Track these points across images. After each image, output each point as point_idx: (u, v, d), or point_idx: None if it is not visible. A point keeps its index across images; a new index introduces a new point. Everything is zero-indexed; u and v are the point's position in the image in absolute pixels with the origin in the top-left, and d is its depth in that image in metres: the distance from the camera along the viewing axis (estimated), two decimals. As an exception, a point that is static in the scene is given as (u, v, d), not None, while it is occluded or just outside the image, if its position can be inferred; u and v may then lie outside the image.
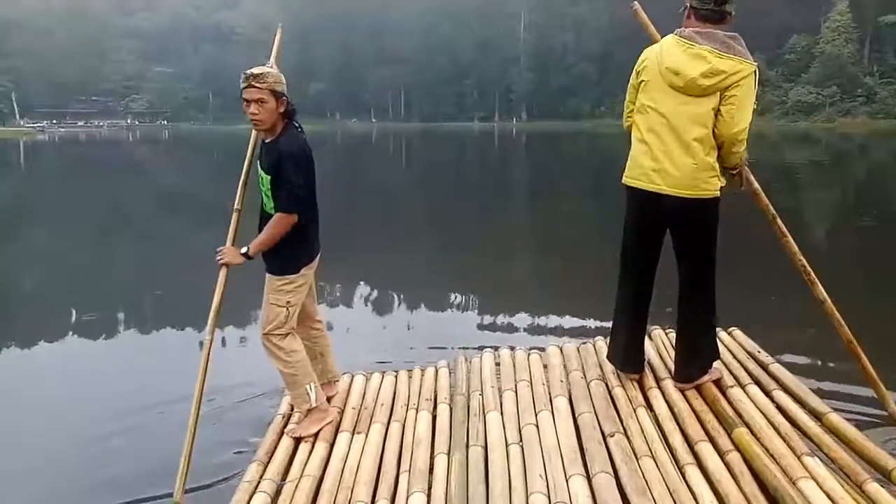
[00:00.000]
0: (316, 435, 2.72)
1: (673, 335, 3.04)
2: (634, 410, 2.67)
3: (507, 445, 2.48)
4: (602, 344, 3.24)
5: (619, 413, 2.67)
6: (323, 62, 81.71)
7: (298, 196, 2.57)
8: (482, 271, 7.16)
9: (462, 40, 79.87)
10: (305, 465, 2.53)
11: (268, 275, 2.72)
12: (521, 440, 2.51)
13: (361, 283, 6.59)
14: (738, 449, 2.38)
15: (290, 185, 2.55)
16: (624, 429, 2.55)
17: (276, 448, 2.66)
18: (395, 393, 3.10)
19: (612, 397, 2.80)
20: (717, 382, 2.84)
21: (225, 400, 3.49)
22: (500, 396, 2.87)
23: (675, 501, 2.13)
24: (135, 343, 4.96)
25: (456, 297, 6.07)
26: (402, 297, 6.08)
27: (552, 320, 5.15)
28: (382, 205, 13.16)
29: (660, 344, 3.35)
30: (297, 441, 2.70)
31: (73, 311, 5.62)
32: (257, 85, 2.51)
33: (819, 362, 4.02)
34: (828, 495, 2.08)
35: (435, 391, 3.07)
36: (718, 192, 2.57)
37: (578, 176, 20.07)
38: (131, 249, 8.78)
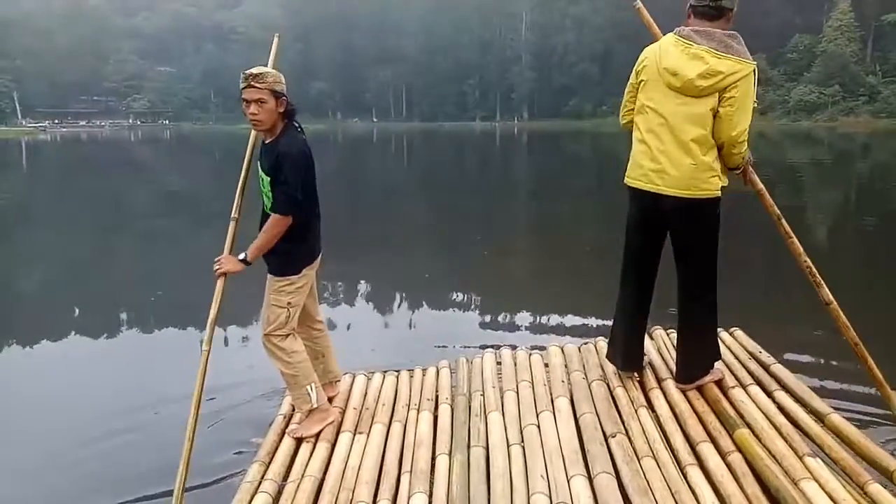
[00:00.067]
0: (317, 435, 2.72)
1: (674, 335, 3.03)
2: (636, 411, 2.67)
3: (508, 446, 2.48)
4: (603, 344, 3.24)
5: (620, 413, 2.66)
6: (324, 62, 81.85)
7: (294, 198, 2.54)
8: (483, 271, 7.17)
9: (463, 40, 79.95)
10: (307, 465, 2.53)
11: (269, 275, 2.72)
12: (522, 441, 2.51)
13: (362, 282, 6.60)
14: (739, 450, 2.37)
15: (286, 187, 2.53)
16: (625, 429, 2.54)
17: (277, 448, 2.66)
18: (396, 393, 3.10)
19: (613, 398, 2.80)
20: (719, 383, 2.83)
21: (226, 400, 3.50)
22: (502, 397, 2.87)
23: (676, 502, 2.12)
24: (136, 342, 4.96)
25: (457, 297, 6.07)
26: (403, 296, 6.08)
27: (554, 319, 5.15)
28: (383, 204, 13.16)
29: (661, 344, 3.35)
30: (299, 441, 2.70)
31: (74, 311, 5.63)
32: (257, 85, 2.49)
33: (822, 361, 4.02)
34: (830, 496, 2.08)
35: (436, 391, 3.06)
36: (719, 192, 2.55)
37: (580, 175, 20.06)
38: (132, 249, 8.80)
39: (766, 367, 3.05)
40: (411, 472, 2.41)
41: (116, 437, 3.24)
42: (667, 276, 2.80)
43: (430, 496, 2.26)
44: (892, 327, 4.50)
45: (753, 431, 2.46)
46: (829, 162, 22.83)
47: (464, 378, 3.11)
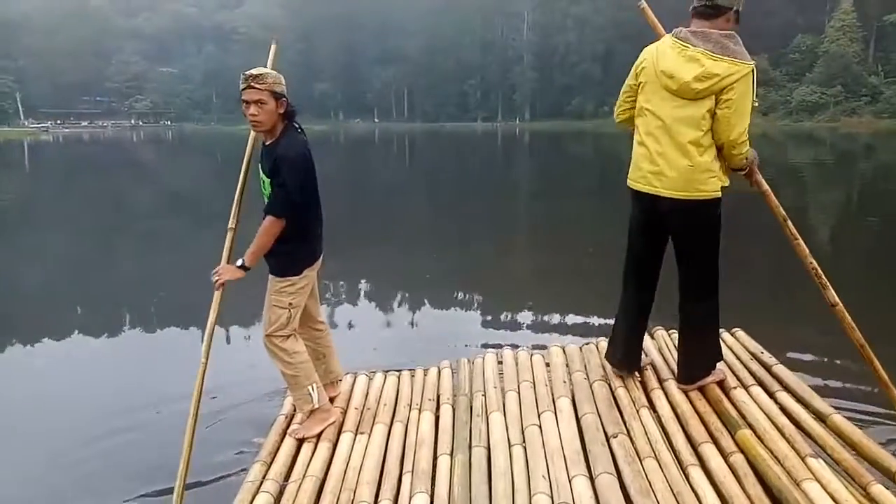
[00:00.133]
0: (319, 435, 2.73)
1: (676, 336, 3.03)
2: (637, 411, 2.66)
3: (510, 446, 2.48)
4: (605, 344, 3.23)
5: (622, 414, 2.66)
6: (326, 62, 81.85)
7: (291, 200, 2.53)
8: (485, 270, 7.17)
9: (465, 40, 79.85)
10: (308, 465, 2.53)
11: (270, 276, 2.72)
12: (523, 441, 2.51)
13: (364, 281, 6.61)
14: (741, 450, 2.37)
15: (283, 189, 2.52)
16: (627, 430, 2.54)
17: (278, 448, 2.66)
18: (397, 393, 3.10)
19: (615, 398, 2.79)
20: (721, 383, 2.83)
21: (227, 399, 3.50)
22: (503, 397, 2.87)
23: (678, 503, 2.12)
24: (138, 342, 4.97)
25: (459, 296, 6.08)
26: (405, 296, 6.09)
27: (555, 319, 5.16)
28: (385, 204, 13.16)
29: (663, 345, 3.34)
30: (300, 441, 2.70)
31: (76, 311, 5.64)
32: (257, 86, 2.48)
33: (824, 360, 4.01)
34: (832, 497, 2.08)
35: (438, 391, 3.06)
36: (718, 193, 2.54)
37: (582, 175, 20.05)
38: (134, 249, 8.81)
39: (768, 368, 3.05)
40: (413, 472, 2.41)
41: (118, 436, 3.25)
42: (668, 276, 2.80)
43: (432, 496, 2.26)
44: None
45: (755, 432, 2.46)
46: (832, 162, 22.78)
47: (465, 378, 3.11)
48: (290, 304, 2.67)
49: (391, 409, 2.94)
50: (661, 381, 2.94)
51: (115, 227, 10.58)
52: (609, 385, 2.90)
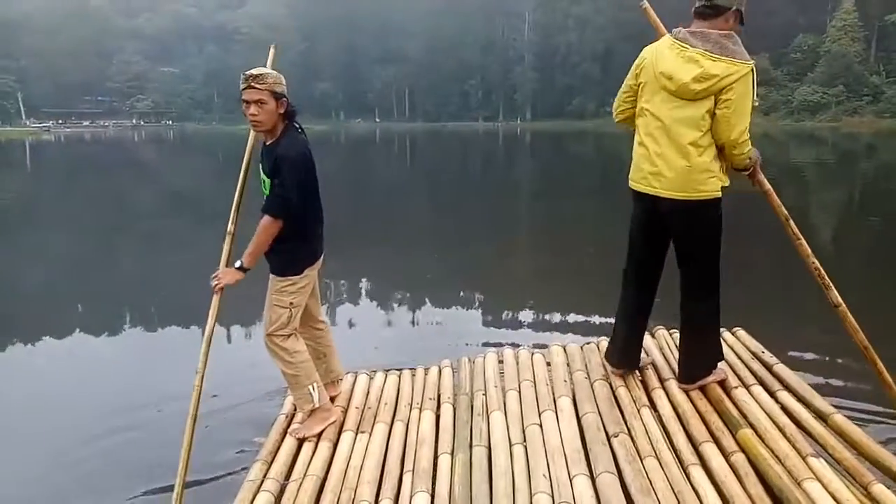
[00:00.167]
0: (319, 435, 2.73)
1: (677, 335, 3.03)
2: (638, 411, 2.66)
3: (510, 445, 2.48)
4: (605, 344, 3.23)
5: (622, 413, 2.66)
6: (327, 62, 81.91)
7: (287, 201, 2.52)
8: (486, 269, 7.17)
9: (466, 40, 79.84)
10: (309, 464, 2.53)
11: (271, 275, 2.72)
12: (524, 440, 2.51)
13: (365, 281, 6.60)
14: (742, 450, 2.37)
15: (281, 189, 2.51)
16: (628, 429, 2.54)
17: (279, 447, 2.66)
18: (398, 392, 3.10)
19: (615, 397, 2.79)
20: (722, 383, 2.82)
21: (228, 399, 3.50)
22: (504, 396, 2.87)
23: (679, 502, 2.12)
24: (139, 340, 4.97)
25: (460, 296, 6.07)
26: (406, 295, 6.09)
27: (556, 318, 5.15)
28: (386, 203, 13.15)
29: (664, 344, 3.34)
30: (301, 441, 2.70)
31: (77, 309, 5.64)
32: (257, 86, 2.48)
33: (825, 359, 4.01)
34: (833, 496, 2.07)
35: (438, 391, 3.06)
36: (718, 193, 2.53)
37: (583, 175, 20.04)
38: (136, 248, 8.81)
39: (768, 367, 3.05)
40: (413, 471, 2.41)
41: (118, 435, 3.25)
42: (670, 275, 2.79)
43: (433, 495, 2.26)
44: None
45: (756, 431, 2.46)
46: (833, 162, 22.76)
47: (466, 377, 3.11)
48: (291, 303, 2.67)
49: (392, 408, 2.94)
50: (662, 380, 2.93)
51: (117, 227, 10.58)
52: (610, 384, 2.90)
